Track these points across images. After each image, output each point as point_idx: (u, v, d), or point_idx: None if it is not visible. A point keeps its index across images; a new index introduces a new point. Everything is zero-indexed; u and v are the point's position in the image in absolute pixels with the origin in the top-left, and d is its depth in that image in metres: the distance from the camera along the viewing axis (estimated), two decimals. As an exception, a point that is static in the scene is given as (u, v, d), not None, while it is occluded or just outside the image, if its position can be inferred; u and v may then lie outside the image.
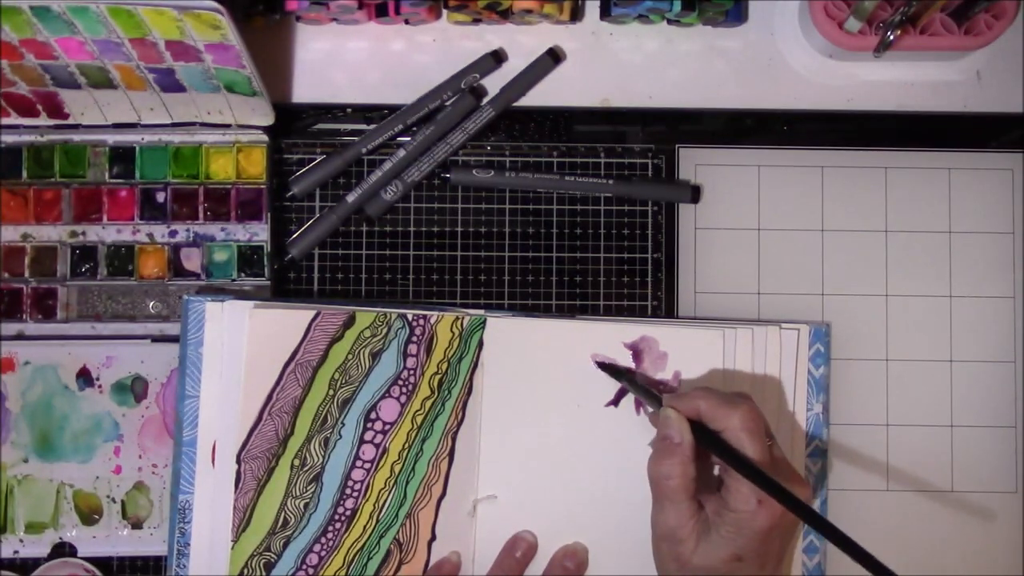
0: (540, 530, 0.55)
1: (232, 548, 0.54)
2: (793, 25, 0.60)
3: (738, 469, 0.46)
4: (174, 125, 0.58)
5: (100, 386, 0.58)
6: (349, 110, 0.60)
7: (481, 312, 0.57)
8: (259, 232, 0.58)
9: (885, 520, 0.58)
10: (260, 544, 0.54)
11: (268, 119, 0.57)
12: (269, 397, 0.55)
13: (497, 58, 0.60)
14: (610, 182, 0.59)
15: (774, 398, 0.56)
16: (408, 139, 0.59)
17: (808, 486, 0.49)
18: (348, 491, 0.55)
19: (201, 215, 0.58)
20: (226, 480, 0.54)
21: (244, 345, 0.54)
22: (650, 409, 0.54)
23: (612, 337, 0.56)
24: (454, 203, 0.59)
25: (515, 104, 0.60)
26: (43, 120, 0.58)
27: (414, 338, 0.56)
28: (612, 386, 0.56)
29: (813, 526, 0.44)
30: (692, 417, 0.49)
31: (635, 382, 0.54)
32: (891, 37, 0.55)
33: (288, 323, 0.55)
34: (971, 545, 0.58)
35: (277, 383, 0.55)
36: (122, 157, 0.58)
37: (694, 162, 0.60)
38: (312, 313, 0.55)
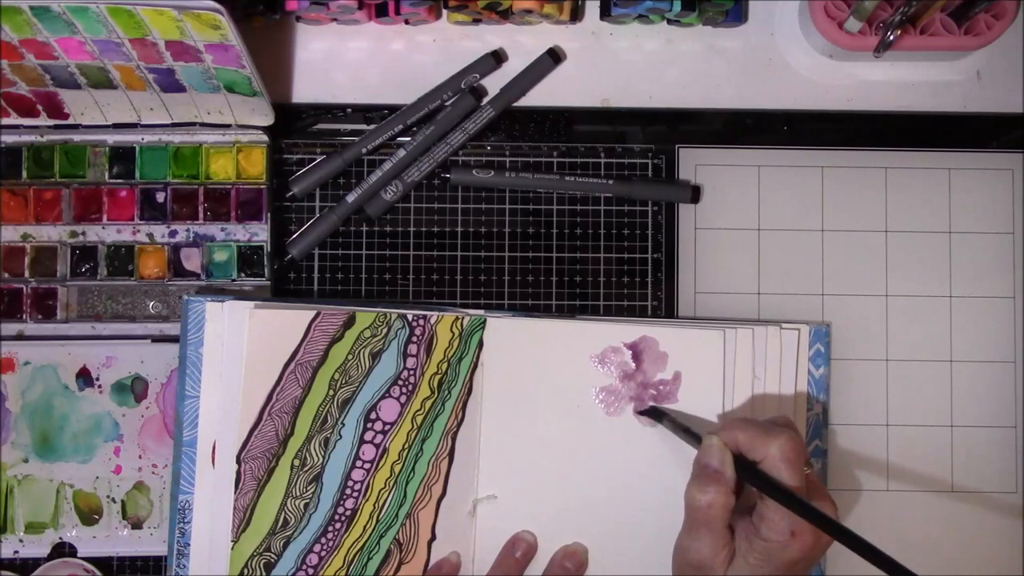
0: (540, 530, 0.55)
1: (232, 548, 0.54)
2: (793, 25, 0.60)
3: (778, 499, 0.45)
4: (174, 125, 0.58)
5: (100, 386, 0.58)
6: (349, 110, 0.60)
7: (481, 312, 0.57)
8: (259, 232, 0.58)
9: (885, 520, 0.58)
10: (260, 544, 0.54)
11: (268, 119, 0.57)
12: (269, 397, 0.55)
13: (497, 58, 0.60)
14: (610, 182, 0.59)
15: (774, 398, 0.56)
16: (408, 139, 0.59)
17: (834, 505, 0.49)
18: (348, 491, 0.55)
19: (201, 215, 0.58)
20: (226, 480, 0.54)
21: (244, 345, 0.54)
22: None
23: (612, 337, 0.56)
24: (454, 203, 0.59)
25: (515, 104, 0.60)
26: (43, 120, 0.57)
27: (414, 338, 0.56)
28: (612, 386, 0.56)
29: (860, 553, 0.42)
30: (731, 448, 0.48)
31: (676, 423, 0.53)
32: (891, 37, 0.55)
33: (288, 323, 0.55)
34: (971, 545, 0.58)
35: (277, 383, 0.55)
36: (122, 157, 0.58)
37: (694, 162, 0.60)
38: (312, 313, 0.55)
